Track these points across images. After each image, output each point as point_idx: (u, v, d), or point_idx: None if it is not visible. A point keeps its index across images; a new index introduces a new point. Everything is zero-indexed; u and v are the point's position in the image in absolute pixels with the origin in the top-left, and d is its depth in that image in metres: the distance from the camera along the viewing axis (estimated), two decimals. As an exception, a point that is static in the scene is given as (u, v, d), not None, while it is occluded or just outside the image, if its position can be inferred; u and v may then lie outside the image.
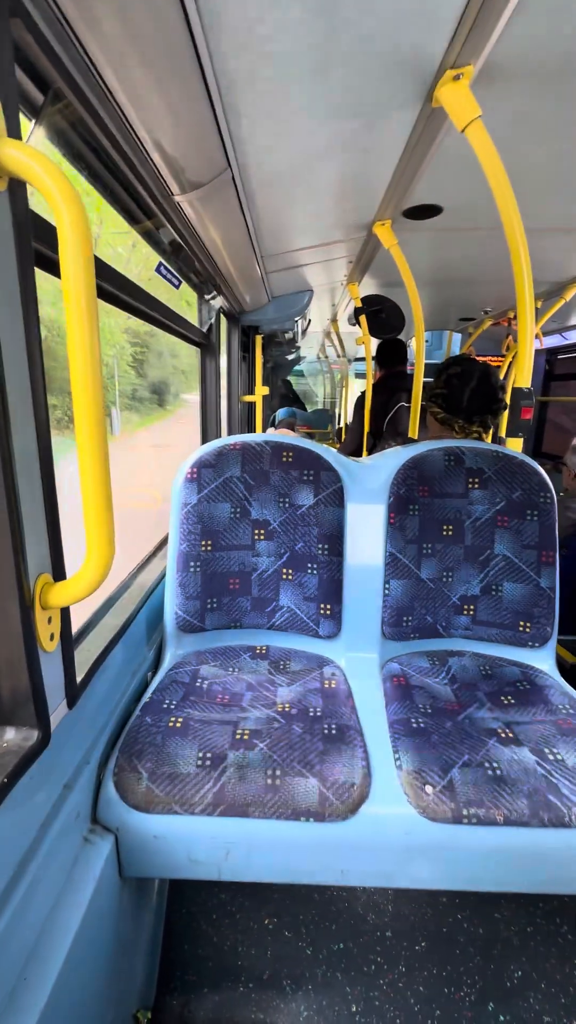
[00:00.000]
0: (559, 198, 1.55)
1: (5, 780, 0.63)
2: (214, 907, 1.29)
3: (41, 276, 0.72)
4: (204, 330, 2.01)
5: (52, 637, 0.72)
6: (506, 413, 1.28)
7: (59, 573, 0.73)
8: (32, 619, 0.66)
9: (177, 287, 1.54)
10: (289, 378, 7.65)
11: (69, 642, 0.78)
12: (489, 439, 1.55)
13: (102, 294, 1.02)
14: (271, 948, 1.21)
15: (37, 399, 0.64)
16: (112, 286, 1.01)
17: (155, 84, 0.75)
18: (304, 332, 4.13)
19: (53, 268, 0.78)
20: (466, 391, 1.44)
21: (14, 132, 0.55)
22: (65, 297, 0.57)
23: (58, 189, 0.54)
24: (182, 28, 0.68)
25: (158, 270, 1.40)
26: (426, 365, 2.91)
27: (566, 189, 1.48)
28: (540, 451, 4.69)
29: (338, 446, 4.48)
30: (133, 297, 1.13)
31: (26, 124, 0.69)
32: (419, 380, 2.30)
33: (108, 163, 0.92)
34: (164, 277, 1.44)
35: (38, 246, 0.71)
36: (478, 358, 4.78)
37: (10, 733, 0.69)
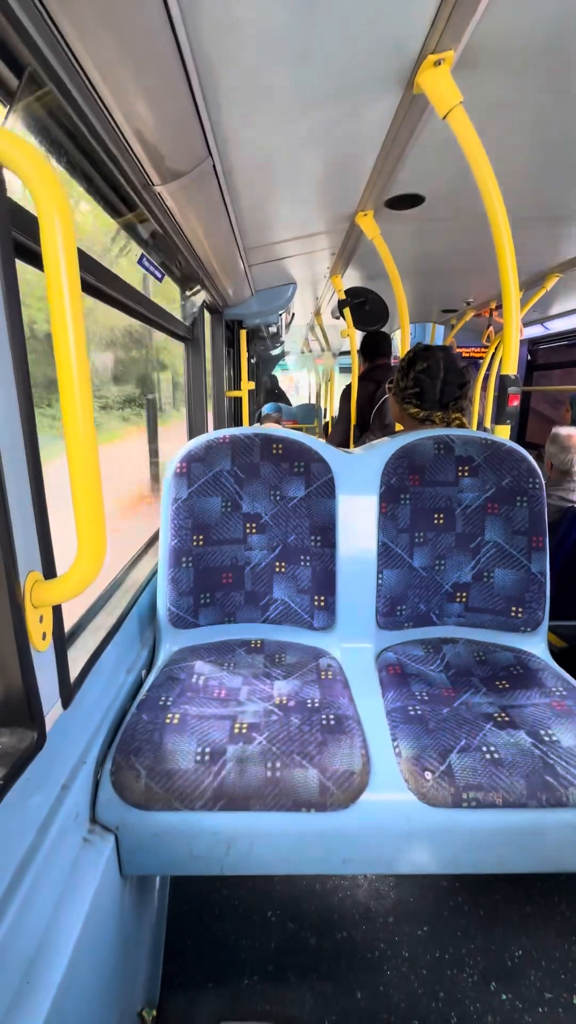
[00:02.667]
0: (538, 186, 1.56)
1: (1, 783, 0.61)
2: (216, 902, 1.29)
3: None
4: (188, 324, 1.99)
5: (44, 636, 0.71)
6: (491, 401, 1.29)
7: (49, 571, 0.71)
8: (23, 618, 0.65)
9: (160, 279, 1.52)
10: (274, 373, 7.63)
11: (62, 641, 0.77)
12: (474, 426, 1.56)
13: (85, 287, 1.00)
14: (274, 940, 1.21)
15: (22, 393, 0.63)
16: (95, 279, 1.00)
17: (132, 67, 0.73)
18: (288, 326, 4.11)
19: (34, 260, 0.76)
20: (437, 384, 1.45)
21: None
22: (48, 290, 0.56)
23: (38, 175, 0.52)
24: (160, 9, 0.67)
25: (140, 262, 1.38)
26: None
27: (546, 176, 1.48)
28: (524, 440, 4.75)
29: (324, 440, 4.46)
30: (116, 290, 1.11)
31: (0, 109, 0.67)
32: None
33: (86, 150, 0.90)
34: (146, 269, 1.42)
35: (19, 236, 0.69)
36: (461, 350, 4.75)
37: (4, 735, 0.68)
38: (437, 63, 0.91)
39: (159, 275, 1.50)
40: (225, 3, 0.72)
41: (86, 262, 0.93)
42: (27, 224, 0.70)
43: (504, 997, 1.10)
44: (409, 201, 1.64)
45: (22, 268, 0.70)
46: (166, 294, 1.88)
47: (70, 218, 0.55)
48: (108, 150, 0.91)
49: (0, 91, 0.67)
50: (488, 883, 1.34)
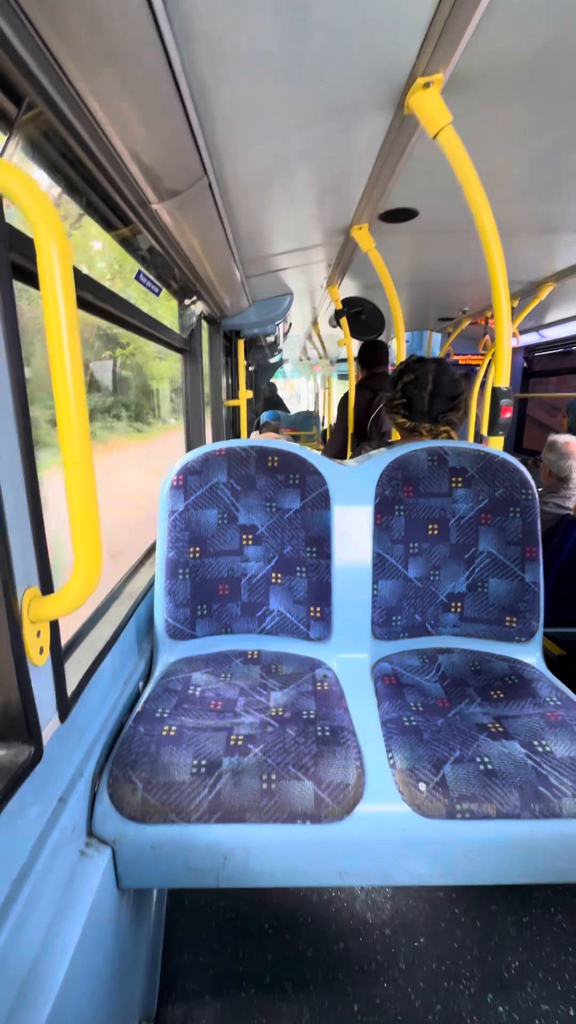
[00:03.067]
0: (530, 199, 1.59)
1: None
2: (213, 914, 1.29)
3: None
4: (186, 336, 2.00)
5: (41, 651, 0.72)
6: (487, 412, 1.30)
7: (47, 586, 0.72)
8: (21, 633, 0.66)
9: (157, 294, 1.53)
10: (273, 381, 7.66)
11: (59, 655, 0.77)
12: (472, 438, 1.57)
13: (82, 304, 1.01)
14: (272, 952, 1.21)
15: (19, 410, 0.64)
16: (92, 296, 1.01)
17: (128, 93, 0.75)
18: (285, 335, 4.14)
19: (31, 280, 0.77)
20: (424, 395, 1.45)
21: None
22: (45, 309, 0.57)
23: (34, 202, 0.53)
24: (153, 36, 0.68)
25: (137, 278, 1.40)
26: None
27: (537, 190, 1.51)
28: (521, 447, 4.77)
29: (322, 448, 4.49)
30: (113, 306, 1.13)
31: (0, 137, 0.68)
32: None
33: (84, 174, 0.92)
34: (144, 285, 1.44)
35: (15, 258, 0.70)
36: (457, 358, 4.77)
37: (1, 749, 0.69)
38: (426, 85, 0.93)
39: (156, 290, 1.52)
40: (219, 28, 0.74)
41: (81, 280, 0.95)
42: (23, 246, 0.72)
43: (501, 1009, 1.10)
44: (403, 215, 1.66)
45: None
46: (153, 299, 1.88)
47: (66, 242, 0.57)
48: (106, 172, 0.92)
49: (0, 120, 0.68)
50: (485, 894, 1.34)
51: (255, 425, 5.73)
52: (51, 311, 0.57)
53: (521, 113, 1.08)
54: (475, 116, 1.08)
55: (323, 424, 7.18)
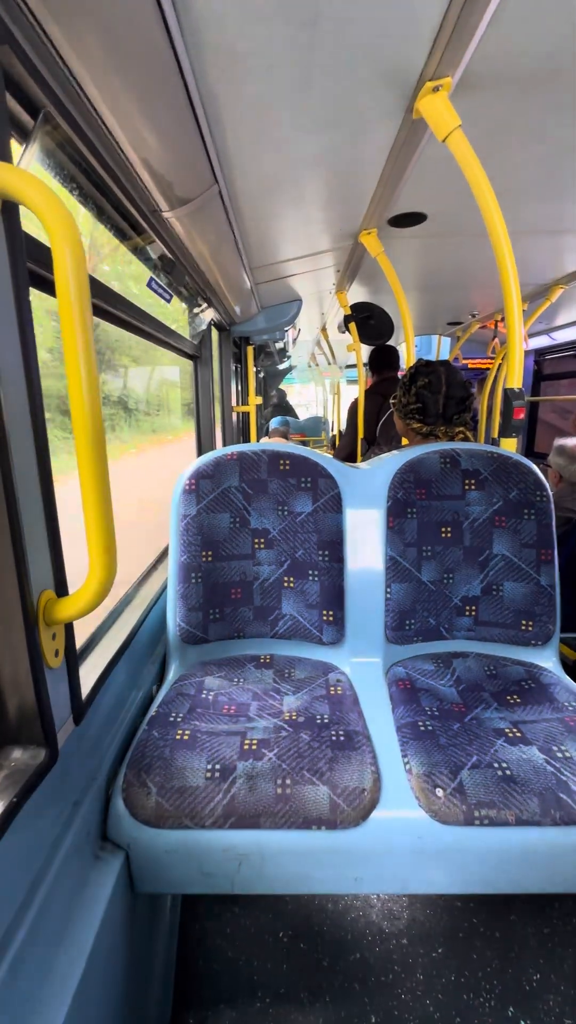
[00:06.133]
0: (540, 201, 1.58)
1: (14, 799, 0.62)
2: (228, 921, 1.28)
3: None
4: (196, 342, 2.02)
5: (57, 653, 0.72)
6: (497, 415, 1.29)
7: (62, 589, 0.73)
8: (37, 636, 0.66)
9: (168, 301, 1.55)
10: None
11: (74, 658, 0.78)
12: (481, 440, 1.57)
13: (95, 311, 1.03)
14: (287, 961, 1.19)
15: (35, 416, 0.65)
16: (105, 303, 1.03)
17: (141, 103, 0.76)
18: (294, 341, 4.16)
19: (47, 288, 0.79)
20: (440, 398, 1.46)
21: (5, 155, 0.56)
22: (61, 316, 0.58)
23: (51, 210, 0.54)
24: (166, 47, 0.70)
25: (149, 285, 1.42)
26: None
27: (547, 192, 1.51)
28: (532, 451, 4.73)
29: (332, 453, 4.50)
30: (126, 313, 1.14)
31: (17, 147, 0.70)
32: None
33: (98, 183, 0.94)
34: (155, 292, 1.46)
35: (32, 266, 0.71)
36: (467, 362, 4.77)
37: (17, 752, 0.69)
38: (435, 89, 0.94)
39: (167, 296, 1.53)
40: (228, 37, 0.75)
41: (95, 287, 0.96)
42: (40, 254, 0.73)
43: (523, 1022, 1.07)
44: (412, 219, 1.67)
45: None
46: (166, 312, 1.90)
47: (81, 250, 0.58)
48: (118, 181, 0.94)
49: (17, 131, 0.70)
50: (504, 904, 1.31)
51: (264, 431, 5.75)
52: (67, 318, 0.58)
53: (530, 115, 1.08)
54: (484, 119, 1.08)
55: (332, 430, 7.18)
